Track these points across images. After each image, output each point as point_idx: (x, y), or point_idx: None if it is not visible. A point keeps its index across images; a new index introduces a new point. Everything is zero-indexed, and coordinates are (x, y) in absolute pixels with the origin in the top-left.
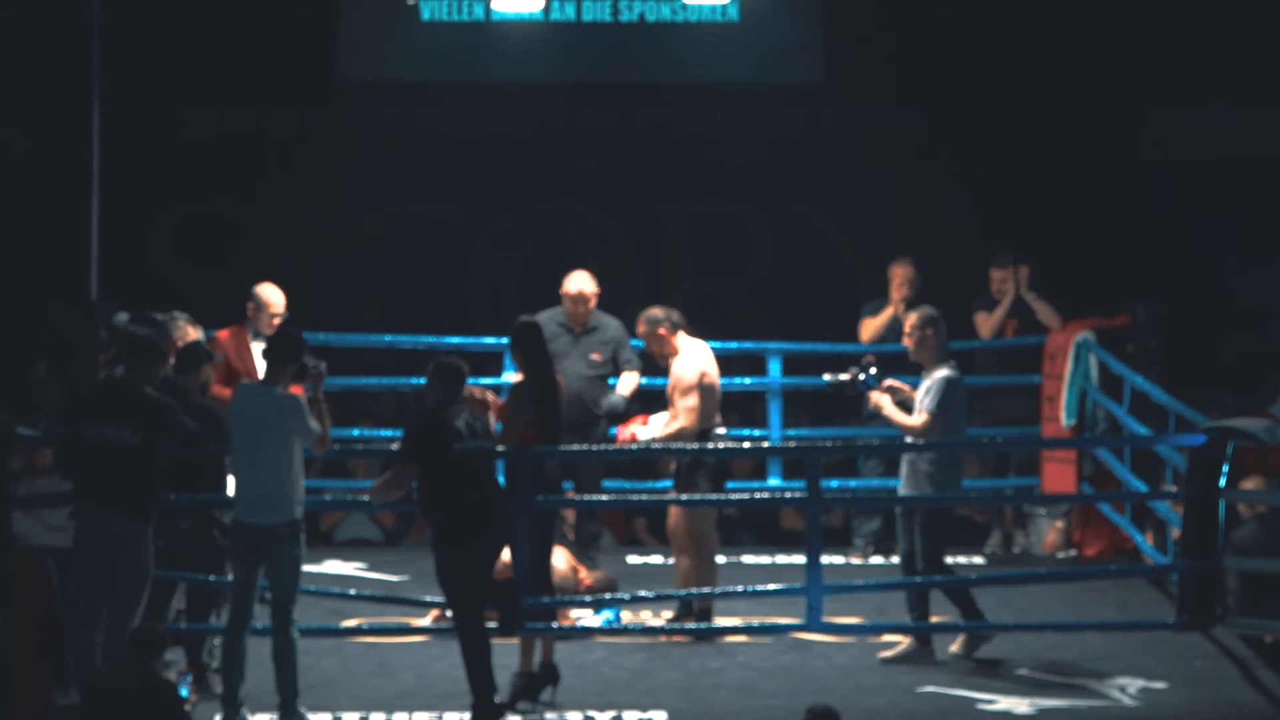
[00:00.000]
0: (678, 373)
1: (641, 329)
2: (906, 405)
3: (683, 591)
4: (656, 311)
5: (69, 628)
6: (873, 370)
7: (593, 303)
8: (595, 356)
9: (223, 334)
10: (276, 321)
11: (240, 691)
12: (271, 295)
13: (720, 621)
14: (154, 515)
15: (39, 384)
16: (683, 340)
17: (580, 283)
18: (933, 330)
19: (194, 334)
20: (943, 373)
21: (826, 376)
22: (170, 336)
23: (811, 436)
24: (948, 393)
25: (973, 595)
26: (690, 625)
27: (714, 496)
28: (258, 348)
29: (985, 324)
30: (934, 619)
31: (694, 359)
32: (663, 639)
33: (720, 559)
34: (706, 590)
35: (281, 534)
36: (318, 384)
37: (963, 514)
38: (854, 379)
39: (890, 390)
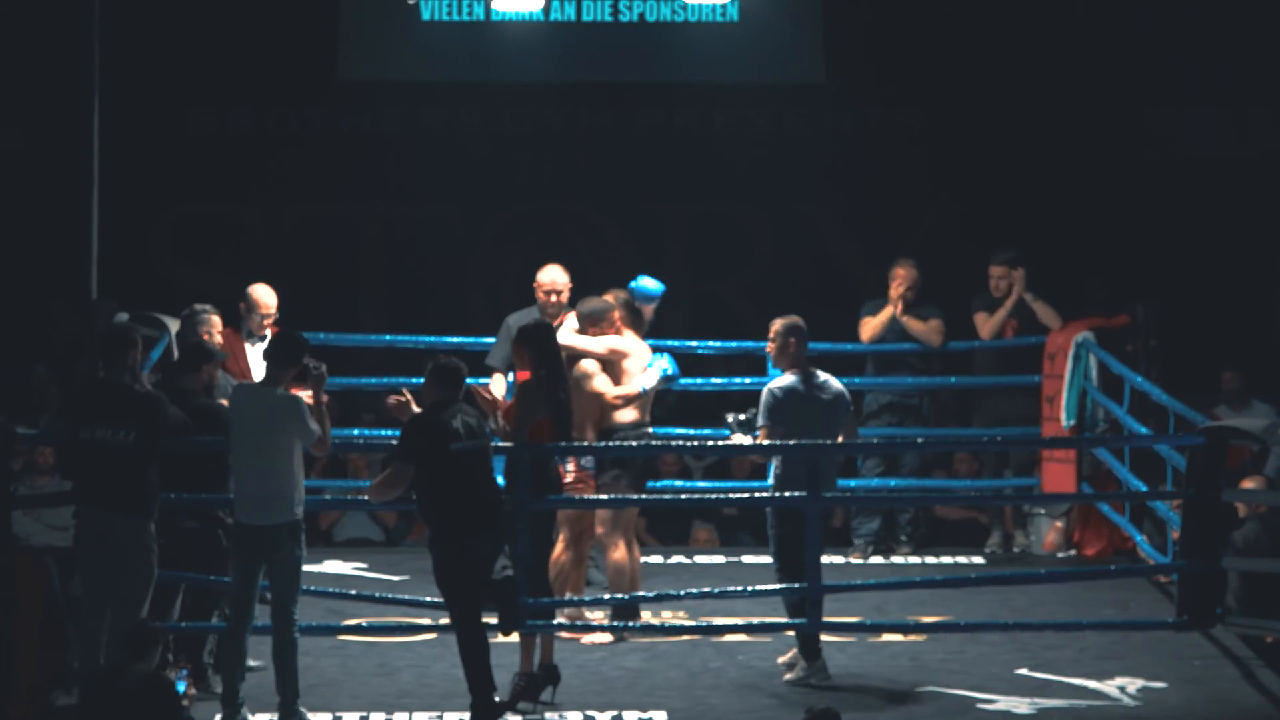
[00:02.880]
0: (618, 344)
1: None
2: None
3: (681, 591)
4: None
5: (72, 628)
6: (742, 418)
7: (565, 295)
8: None
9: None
10: (268, 323)
11: (240, 691)
12: (264, 296)
13: (720, 621)
14: (154, 511)
15: (39, 384)
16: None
17: (554, 275)
18: (794, 339)
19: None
20: (772, 384)
21: (730, 418)
22: (200, 330)
23: None
24: (770, 404)
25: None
26: (662, 623)
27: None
28: (250, 348)
29: (985, 325)
30: (928, 619)
31: (630, 344)
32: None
33: (719, 559)
34: (708, 590)
35: (282, 534)
36: (319, 386)
37: (962, 515)
38: (739, 422)
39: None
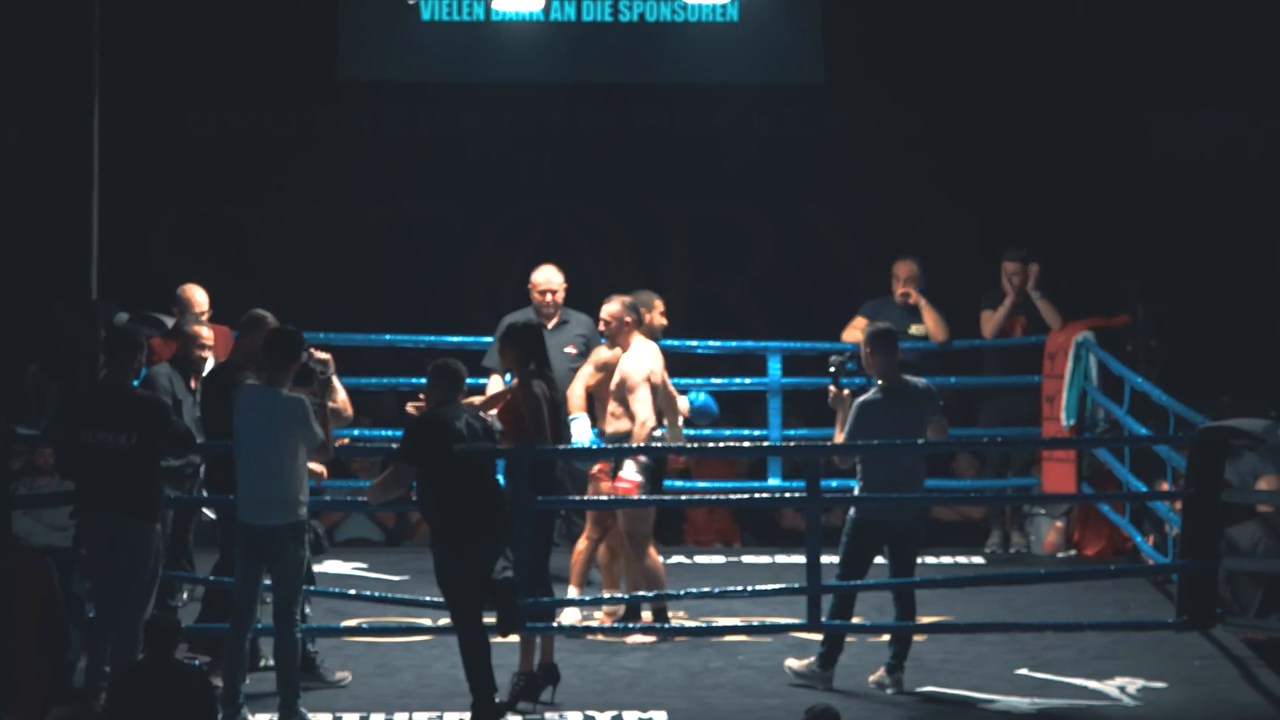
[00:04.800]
0: (626, 370)
1: (616, 310)
2: None
3: (681, 591)
4: (628, 301)
5: (72, 628)
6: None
7: (560, 295)
8: (570, 350)
9: (156, 341)
10: (204, 320)
11: (241, 692)
12: (196, 294)
13: (720, 621)
14: (159, 513)
15: (31, 384)
16: (637, 339)
17: (549, 275)
18: (870, 349)
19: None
20: (858, 399)
21: (834, 357)
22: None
23: (811, 436)
24: (852, 421)
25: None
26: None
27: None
28: None
29: (989, 321)
30: (928, 619)
31: (642, 358)
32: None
33: (719, 559)
34: (708, 590)
35: (286, 535)
36: (324, 390)
37: (958, 515)
38: (842, 365)
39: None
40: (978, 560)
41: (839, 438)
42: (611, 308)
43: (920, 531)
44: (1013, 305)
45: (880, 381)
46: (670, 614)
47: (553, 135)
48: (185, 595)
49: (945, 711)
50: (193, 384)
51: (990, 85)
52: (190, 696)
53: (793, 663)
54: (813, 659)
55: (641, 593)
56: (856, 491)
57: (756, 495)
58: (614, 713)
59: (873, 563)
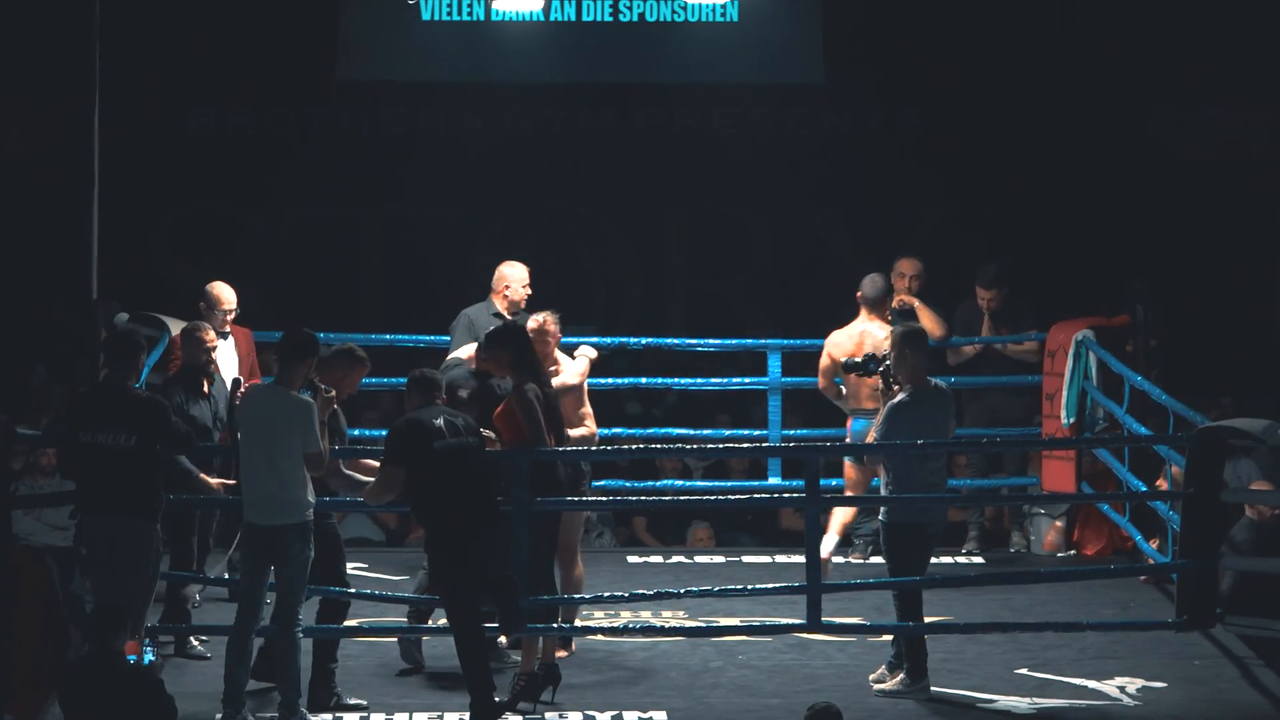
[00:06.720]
0: (575, 379)
1: (551, 327)
2: None
3: (681, 591)
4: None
5: (72, 628)
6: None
7: None
8: None
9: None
10: (230, 319)
11: (244, 691)
12: (224, 292)
13: (720, 621)
14: (159, 513)
15: (38, 385)
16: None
17: (525, 272)
18: (909, 350)
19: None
20: (891, 401)
21: (871, 354)
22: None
23: (811, 436)
24: (884, 422)
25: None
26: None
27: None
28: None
29: (965, 351)
30: (928, 619)
31: (579, 369)
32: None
33: (719, 559)
34: (708, 590)
35: (291, 535)
36: (325, 409)
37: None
38: (869, 361)
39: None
40: (978, 560)
41: (872, 437)
42: (549, 325)
43: (938, 533)
44: (986, 328)
45: (909, 385)
46: (670, 614)
47: (553, 135)
48: (198, 597)
49: (945, 711)
50: (205, 388)
51: (990, 85)
52: (142, 694)
53: (881, 685)
54: (901, 675)
55: (642, 591)
56: (883, 493)
57: (756, 495)
58: (614, 713)
59: (928, 561)
